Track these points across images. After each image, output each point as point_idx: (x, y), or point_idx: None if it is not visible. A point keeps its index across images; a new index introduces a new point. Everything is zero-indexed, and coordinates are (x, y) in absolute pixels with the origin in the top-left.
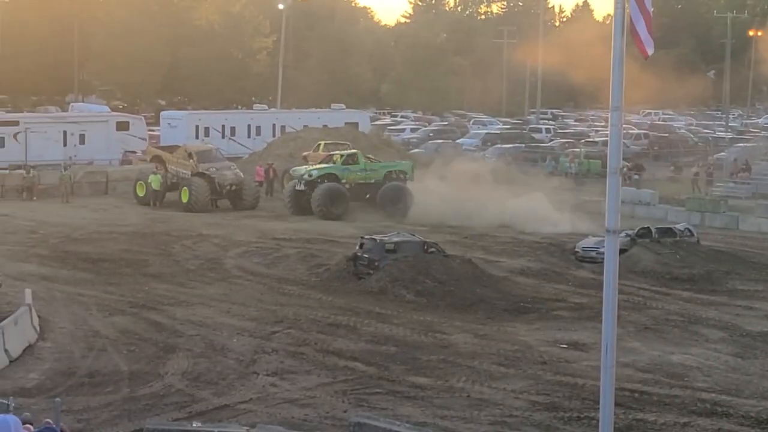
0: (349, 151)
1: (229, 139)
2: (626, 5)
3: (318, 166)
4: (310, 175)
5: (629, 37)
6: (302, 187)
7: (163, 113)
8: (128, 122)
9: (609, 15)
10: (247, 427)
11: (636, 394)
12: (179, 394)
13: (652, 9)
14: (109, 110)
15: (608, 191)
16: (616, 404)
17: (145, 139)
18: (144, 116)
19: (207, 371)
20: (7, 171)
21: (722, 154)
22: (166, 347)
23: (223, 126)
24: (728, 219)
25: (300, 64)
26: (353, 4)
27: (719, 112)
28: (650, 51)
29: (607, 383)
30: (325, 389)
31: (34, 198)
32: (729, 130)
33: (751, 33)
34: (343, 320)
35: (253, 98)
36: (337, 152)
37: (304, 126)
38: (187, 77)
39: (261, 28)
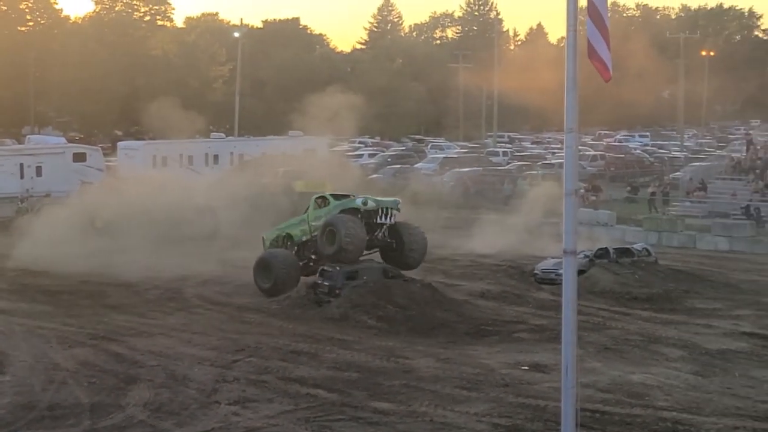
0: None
1: (187, 168)
2: (579, 28)
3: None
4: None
5: (587, 58)
6: None
7: (120, 143)
8: (85, 153)
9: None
10: None
11: (597, 415)
12: (141, 425)
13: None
14: (66, 141)
15: (565, 213)
16: (578, 425)
17: (102, 170)
18: (101, 147)
19: (168, 401)
20: None
21: (678, 173)
22: (126, 378)
23: (181, 155)
24: (685, 238)
25: (257, 92)
26: (309, 32)
27: (674, 132)
28: (610, 72)
29: (568, 404)
30: (287, 417)
31: None
32: (684, 149)
33: (703, 53)
34: (304, 347)
35: (210, 127)
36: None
37: (262, 153)
38: (144, 107)
39: (217, 56)
